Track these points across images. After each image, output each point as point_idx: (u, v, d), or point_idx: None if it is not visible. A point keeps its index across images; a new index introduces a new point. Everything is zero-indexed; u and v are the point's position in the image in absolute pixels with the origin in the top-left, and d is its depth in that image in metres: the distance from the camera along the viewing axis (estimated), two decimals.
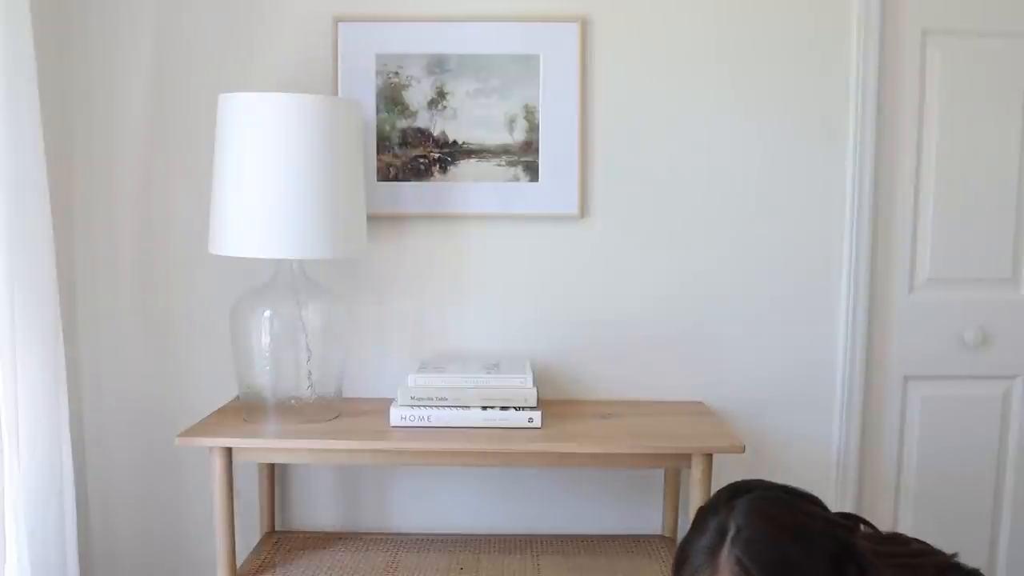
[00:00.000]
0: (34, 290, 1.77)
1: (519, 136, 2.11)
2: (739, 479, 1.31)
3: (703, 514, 1.26)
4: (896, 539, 1.33)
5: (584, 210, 2.14)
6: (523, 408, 1.89)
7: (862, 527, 1.32)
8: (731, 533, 1.20)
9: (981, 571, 1.23)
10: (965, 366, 2.22)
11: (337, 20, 2.08)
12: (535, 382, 1.93)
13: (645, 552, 2.08)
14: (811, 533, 1.22)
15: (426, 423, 1.88)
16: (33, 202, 1.77)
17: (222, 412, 2.00)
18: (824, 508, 1.29)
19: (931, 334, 2.21)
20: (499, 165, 2.11)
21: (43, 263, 1.80)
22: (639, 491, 2.20)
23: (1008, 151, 2.16)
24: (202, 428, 1.88)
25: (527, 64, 2.09)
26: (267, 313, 1.90)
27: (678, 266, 2.16)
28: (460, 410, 1.89)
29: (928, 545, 1.31)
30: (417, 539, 2.15)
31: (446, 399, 1.89)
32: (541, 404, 1.91)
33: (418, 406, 1.89)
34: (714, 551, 1.20)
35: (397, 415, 1.89)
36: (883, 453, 2.23)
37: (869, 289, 2.16)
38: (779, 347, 2.19)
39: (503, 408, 1.89)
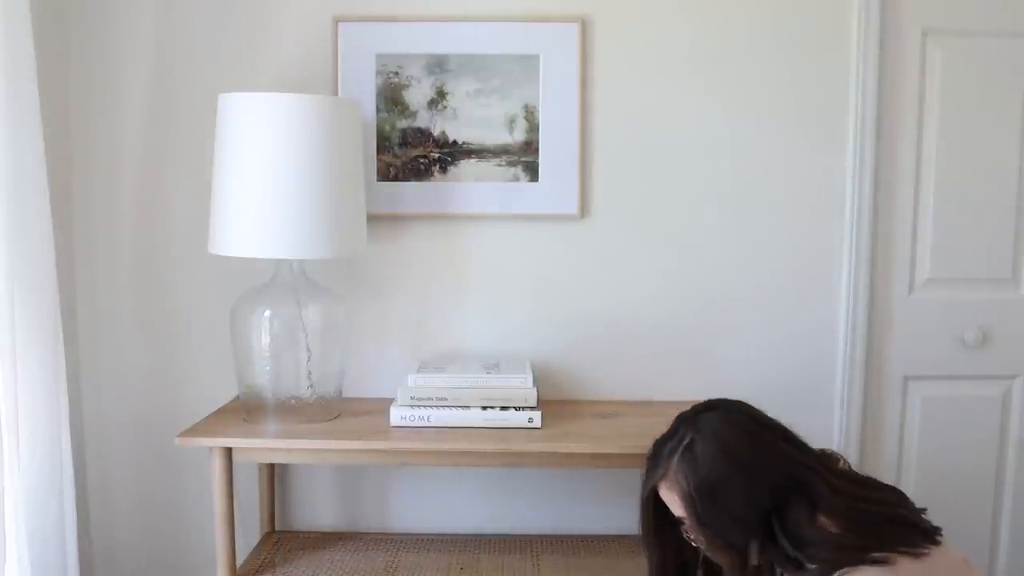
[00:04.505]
0: (34, 290, 1.77)
1: (519, 136, 2.11)
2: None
3: (679, 419, 1.45)
4: (868, 483, 1.43)
5: (584, 210, 2.14)
6: (523, 408, 1.89)
7: (842, 463, 1.45)
8: (685, 443, 1.38)
9: (940, 529, 1.32)
10: (965, 366, 2.22)
11: (337, 20, 2.08)
12: (535, 382, 1.93)
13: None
14: (756, 462, 1.35)
15: (426, 423, 1.88)
16: (33, 202, 1.77)
17: (222, 412, 2.00)
18: (791, 440, 1.41)
19: (931, 334, 2.21)
20: (499, 165, 2.11)
21: (43, 263, 1.80)
22: (639, 491, 2.20)
23: (1008, 151, 2.16)
24: (202, 428, 1.88)
25: (527, 64, 2.09)
26: (267, 313, 1.90)
27: (678, 266, 2.16)
28: (460, 410, 1.89)
29: (900, 495, 1.39)
30: (417, 539, 2.16)
31: (446, 399, 1.89)
32: (541, 404, 1.91)
33: (418, 406, 1.89)
34: (671, 455, 1.39)
35: (397, 415, 1.89)
36: (883, 453, 2.23)
37: (869, 289, 2.16)
38: (779, 347, 2.18)
39: (503, 408, 1.89)
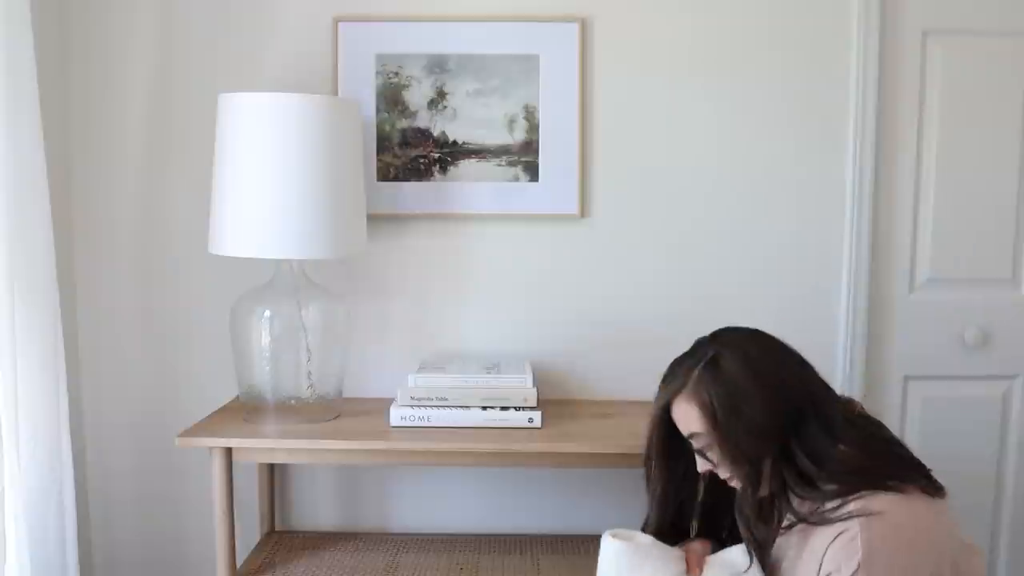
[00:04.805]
0: (34, 290, 1.77)
1: (519, 136, 2.11)
2: None
3: (698, 341, 1.45)
4: (882, 426, 1.43)
5: (584, 210, 2.14)
6: (523, 408, 1.89)
7: (859, 408, 1.47)
8: (709, 356, 1.37)
9: (943, 487, 1.31)
10: (965, 366, 2.22)
11: (337, 20, 2.08)
12: (535, 382, 1.93)
13: None
14: (779, 379, 1.35)
15: (426, 423, 1.88)
16: (33, 202, 1.77)
17: (222, 412, 2.00)
18: (809, 369, 1.42)
19: (931, 334, 2.21)
20: (499, 165, 2.11)
21: (43, 263, 1.80)
22: (639, 491, 2.18)
23: (1008, 151, 2.16)
24: (202, 428, 1.88)
25: (527, 64, 2.09)
26: (267, 313, 1.90)
27: (678, 266, 2.16)
28: (460, 410, 1.89)
29: (905, 450, 1.38)
30: (417, 539, 2.16)
31: (446, 399, 1.89)
32: (541, 404, 1.91)
33: (418, 406, 1.89)
34: (691, 369, 1.38)
35: (397, 415, 1.89)
36: None
37: (869, 289, 2.16)
38: None
39: (503, 408, 1.89)
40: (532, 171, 2.11)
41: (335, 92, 2.09)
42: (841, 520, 1.24)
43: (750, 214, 2.15)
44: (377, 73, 2.09)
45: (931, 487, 1.30)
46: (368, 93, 2.09)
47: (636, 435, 1.86)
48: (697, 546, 1.48)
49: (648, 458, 1.50)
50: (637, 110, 2.13)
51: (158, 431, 2.14)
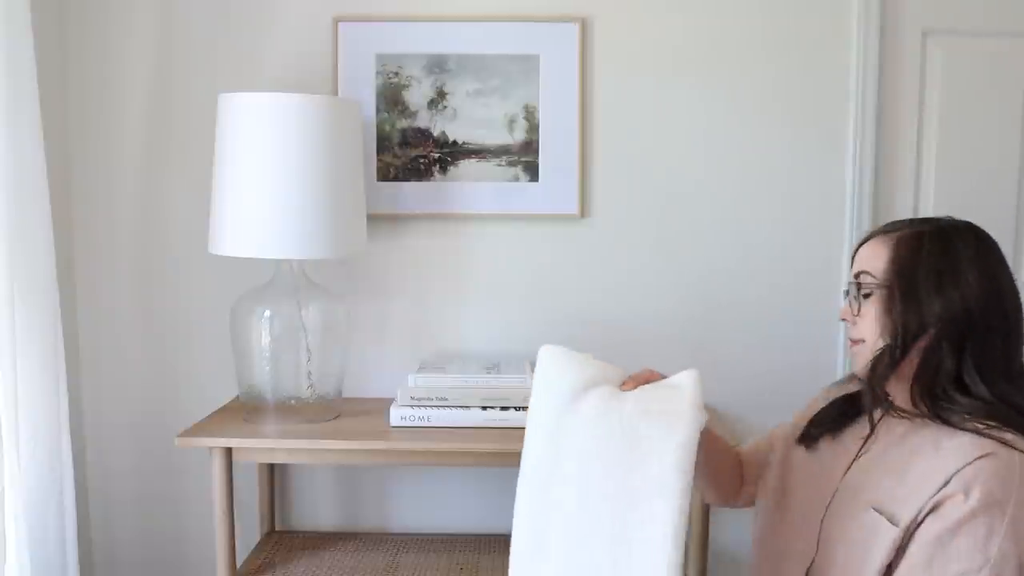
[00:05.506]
0: (34, 290, 1.77)
1: (519, 136, 2.11)
2: None
3: None
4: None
5: (584, 210, 2.14)
6: (523, 408, 1.89)
7: None
8: (944, 224, 1.29)
9: None
10: None
11: (337, 20, 2.08)
12: None
13: None
14: (996, 284, 1.26)
15: (426, 423, 1.88)
16: (33, 202, 1.77)
17: (222, 412, 2.00)
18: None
19: None
20: (499, 165, 2.11)
21: (43, 263, 1.80)
22: None
23: (1008, 151, 2.16)
24: (202, 428, 1.88)
25: (527, 64, 2.09)
26: (267, 313, 1.90)
27: (678, 266, 2.16)
28: (460, 410, 1.89)
29: None
30: (417, 539, 2.16)
31: (446, 399, 1.89)
32: None
33: (418, 406, 1.89)
34: (919, 225, 1.29)
35: (397, 415, 1.89)
36: None
37: None
38: (780, 347, 2.18)
39: (503, 408, 1.89)
40: (532, 171, 2.11)
41: (335, 92, 2.09)
42: (992, 439, 1.13)
43: (750, 214, 2.15)
44: (377, 73, 2.09)
45: None
46: (368, 93, 2.09)
47: None
48: (644, 372, 1.39)
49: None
50: (637, 110, 2.13)
51: (158, 431, 2.14)
